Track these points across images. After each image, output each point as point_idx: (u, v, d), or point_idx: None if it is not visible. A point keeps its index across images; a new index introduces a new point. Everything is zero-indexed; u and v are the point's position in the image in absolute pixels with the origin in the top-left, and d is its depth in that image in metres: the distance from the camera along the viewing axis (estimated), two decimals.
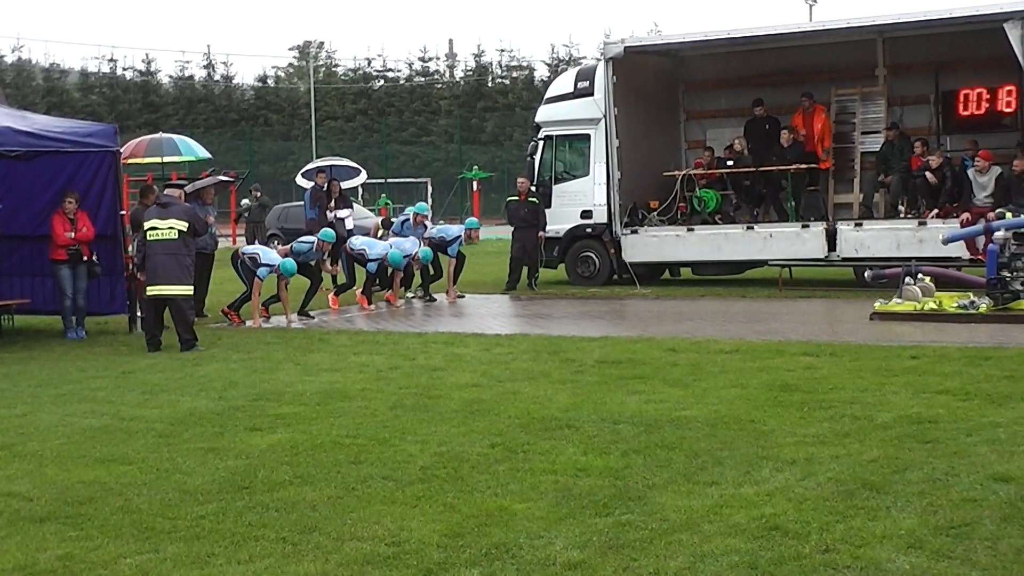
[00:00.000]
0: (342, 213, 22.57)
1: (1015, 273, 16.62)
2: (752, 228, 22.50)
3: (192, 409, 11.22)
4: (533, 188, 23.91)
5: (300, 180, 25.11)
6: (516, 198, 23.65)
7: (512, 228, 23.73)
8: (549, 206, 23.89)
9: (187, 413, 11.02)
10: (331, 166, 24.89)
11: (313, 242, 19.37)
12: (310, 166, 25.71)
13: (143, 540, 7.03)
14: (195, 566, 6.56)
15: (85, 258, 17.38)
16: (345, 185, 24.34)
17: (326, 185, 23.09)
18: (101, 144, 17.44)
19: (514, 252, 23.45)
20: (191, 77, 74.83)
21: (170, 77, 75.07)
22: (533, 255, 23.30)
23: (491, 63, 70.72)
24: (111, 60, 77.50)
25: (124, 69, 75.16)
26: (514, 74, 69.58)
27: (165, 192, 17.34)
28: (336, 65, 77.70)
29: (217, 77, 75.16)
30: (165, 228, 15.70)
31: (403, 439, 9.54)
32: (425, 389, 11.91)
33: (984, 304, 16.50)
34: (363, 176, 26.81)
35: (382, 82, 72.78)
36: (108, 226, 17.66)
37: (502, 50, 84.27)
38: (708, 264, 23.34)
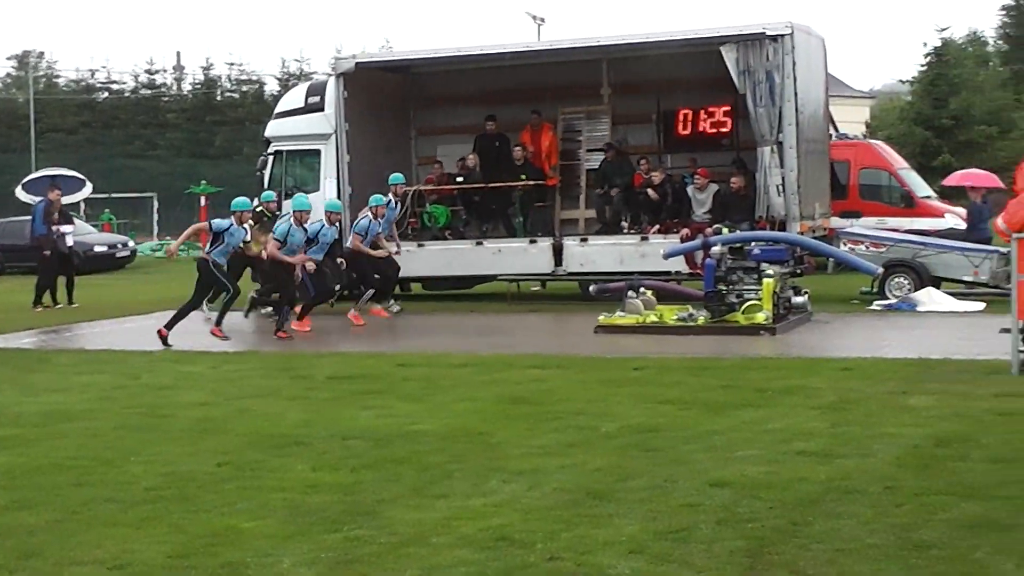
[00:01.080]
0: (64, 228, 21.88)
1: (731, 286, 17.34)
2: (481, 243, 22.78)
3: None
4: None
5: (20, 193, 24.24)
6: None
7: None
8: None
9: None
10: (57, 176, 24.06)
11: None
12: (31, 177, 24.84)
13: None
14: None
15: None
16: (66, 200, 23.59)
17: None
18: None
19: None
20: None
21: None
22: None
23: (220, 77, 69.43)
24: None
25: None
26: (244, 88, 68.41)
27: None
28: (57, 76, 75.01)
29: None
30: None
31: (128, 460, 9.31)
32: (151, 408, 11.64)
33: (702, 316, 17.13)
34: (87, 189, 26.07)
35: (106, 94, 70.65)
36: None
37: (231, 64, 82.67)
38: (439, 279, 23.50)
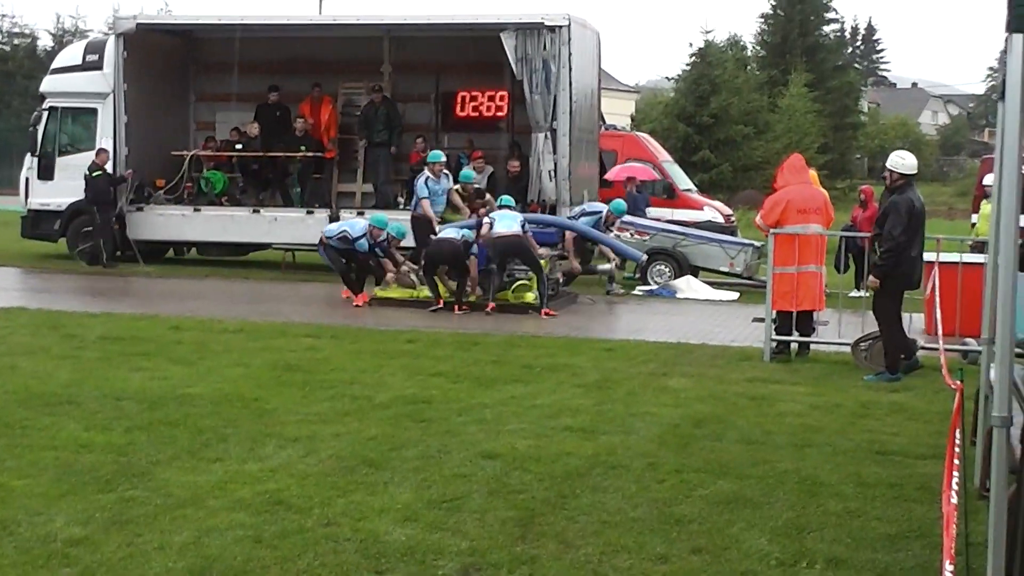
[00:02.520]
0: None
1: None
2: (258, 211, 22.72)
3: None
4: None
5: None
6: (100, 172, 22.31)
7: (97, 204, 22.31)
8: (52, 178, 23.22)
9: None
10: None
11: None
12: None
13: None
14: None
15: None
16: None
17: None
18: None
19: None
20: None
21: None
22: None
23: None
24: None
25: None
26: (16, 41, 66.06)
27: None
28: None
29: None
30: None
31: None
32: None
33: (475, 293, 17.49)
34: None
35: None
36: None
37: (3, 15, 79.83)
38: (213, 245, 23.37)
